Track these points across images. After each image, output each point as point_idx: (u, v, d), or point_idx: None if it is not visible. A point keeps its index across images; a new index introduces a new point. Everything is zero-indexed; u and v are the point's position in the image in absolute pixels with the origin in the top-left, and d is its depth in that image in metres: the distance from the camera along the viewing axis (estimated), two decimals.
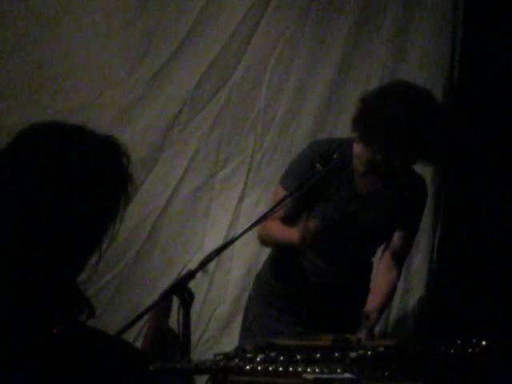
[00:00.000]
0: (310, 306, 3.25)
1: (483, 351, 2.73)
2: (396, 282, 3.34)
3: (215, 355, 2.69)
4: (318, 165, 2.99)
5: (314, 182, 2.99)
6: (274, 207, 2.90)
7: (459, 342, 2.75)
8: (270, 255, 3.38)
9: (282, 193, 3.11)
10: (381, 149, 3.10)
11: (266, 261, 3.39)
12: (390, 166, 3.13)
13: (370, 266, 3.37)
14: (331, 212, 3.18)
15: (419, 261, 3.96)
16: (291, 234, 3.04)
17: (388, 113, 3.02)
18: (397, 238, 3.28)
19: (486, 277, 3.84)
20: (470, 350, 2.73)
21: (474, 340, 2.75)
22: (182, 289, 2.58)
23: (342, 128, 3.95)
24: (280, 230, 3.15)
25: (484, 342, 2.73)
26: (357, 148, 3.20)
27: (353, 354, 2.66)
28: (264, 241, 3.28)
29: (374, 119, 3.05)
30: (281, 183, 3.24)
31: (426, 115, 3.04)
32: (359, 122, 3.11)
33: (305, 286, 3.24)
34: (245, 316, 3.40)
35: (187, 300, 2.57)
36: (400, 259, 3.33)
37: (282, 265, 3.30)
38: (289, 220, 3.16)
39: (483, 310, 3.79)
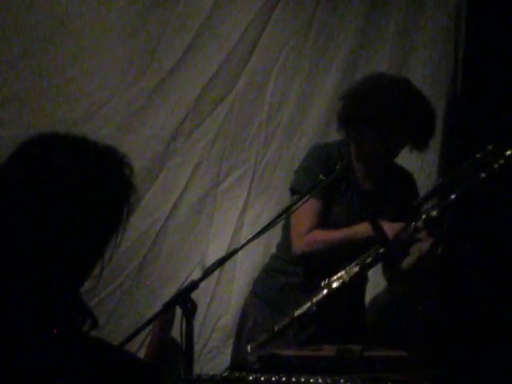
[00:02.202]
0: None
1: None
2: None
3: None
4: (321, 175, 2.99)
5: (317, 191, 2.99)
6: (277, 217, 2.89)
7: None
8: (269, 264, 3.39)
9: (311, 202, 3.06)
10: (378, 135, 3.12)
11: (267, 267, 3.40)
12: (388, 152, 3.20)
13: None
14: (342, 214, 3.22)
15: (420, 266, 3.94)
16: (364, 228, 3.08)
17: (379, 94, 3.10)
18: None
19: (486, 278, 3.83)
20: None
21: None
22: (185, 299, 2.58)
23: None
24: (338, 231, 3.18)
25: None
26: (354, 148, 3.23)
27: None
28: (315, 249, 3.23)
29: (366, 105, 3.11)
30: (294, 190, 3.25)
31: (414, 94, 3.16)
32: (350, 116, 3.15)
33: (313, 287, 3.23)
34: (242, 323, 3.39)
35: (190, 310, 2.57)
36: None
37: (289, 271, 3.30)
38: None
39: (484, 310, 3.79)
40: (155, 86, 3.87)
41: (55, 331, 1.40)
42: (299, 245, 3.22)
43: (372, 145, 3.18)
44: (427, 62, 4.00)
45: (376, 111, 3.10)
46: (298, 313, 2.98)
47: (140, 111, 3.86)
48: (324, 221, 3.22)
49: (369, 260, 3.04)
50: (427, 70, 4.00)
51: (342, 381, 2.56)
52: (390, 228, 3.03)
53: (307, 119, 3.99)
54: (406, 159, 3.92)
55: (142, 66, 3.87)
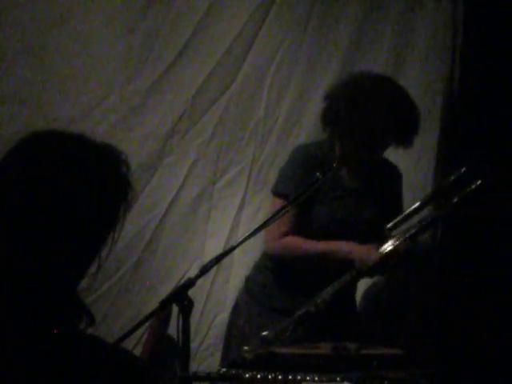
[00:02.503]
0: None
1: None
2: None
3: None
4: (317, 173, 2.99)
5: (313, 189, 3.00)
6: (273, 216, 2.90)
7: None
8: (260, 262, 3.40)
9: (279, 202, 3.15)
10: (362, 136, 3.13)
11: (259, 264, 3.40)
12: (372, 152, 3.21)
13: None
14: (326, 213, 3.21)
15: (419, 265, 3.95)
16: (343, 247, 3.15)
17: (363, 96, 3.12)
18: None
19: (487, 279, 3.84)
20: None
21: None
22: (181, 297, 2.58)
23: None
24: (316, 243, 3.19)
25: None
26: (338, 148, 3.24)
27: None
28: (286, 255, 3.29)
29: (350, 106, 3.11)
30: (276, 193, 3.27)
31: (397, 94, 3.18)
32: (333, 116, 3.16)
33: (303, 285, 3.24)
34: (233, 320, 3.40)
35: (187, 308, 2.57)
36: None
37: (279, 269, 3.31)
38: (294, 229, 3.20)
39: (486, 309, 3.79)
40: (152, 83, 3.87)
41: (55, 331, 1.40)
42: (272, 246, 3.27)
43: (356, 145, 3.18)
44: (424, 61, 4.00)
45: (360, 113, 3.11)
46: (296, 316, 3.00)
47: (137, 109, 3.86)
48: (307, 220, 3.23)
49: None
50: (424, 69, 3.99)
51: (338, 379, 2.56)
52: (366, 254, 3.10)
53: (304, 117, 3.99)
54: (403, 159, 3.93)
55: (139, 63, 3.86)
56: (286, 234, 3.24)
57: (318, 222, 3.23)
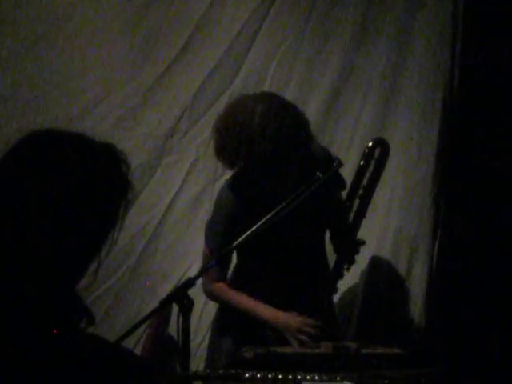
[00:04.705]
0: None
1: None
2: None
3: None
4: (318, 173, 2.98)
5: (313, 189, 2.98)
6: (273, 214, 2.88)
7: None
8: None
9: (209, 253, 3.24)
10: (256, 168, 3.07)
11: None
12: (273, 177, 3.14)
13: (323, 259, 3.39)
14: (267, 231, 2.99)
15: (419, 266, 3.95)
16: (265, 312, 3.14)
17: (245, 127, 2.99)
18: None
19: (487, 282, 3.84)
20: None
21: None
22: (181, 296, 2.58)
23: (342, 135, 3.95)
24: (240, 300, 3.20)
25: None
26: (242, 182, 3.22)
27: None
28: (217, 302, 3.36)
29: (237, 139, 3.00)
30: (207, 245, 3.30)
31: (281, 114, 3.05)
32: (223, 151, 3.08)
33: (271, 291, 3.24)
34: (218, 318, 3.42)
35: (187, 307, 2.57)
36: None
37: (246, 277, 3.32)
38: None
39: (484, 314, 3.79)
40: (152, 83, 3.87)
41: (55, 331, 1.40)
42: (205, 290, 3.30)
43: (250, 175, 3.14)
44: (424, 61, 4.00)
45: (246, 144, 3.00)
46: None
47: (137, 108, 3.86)
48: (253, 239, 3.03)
49: None
50: (424, 69, 3.99)
51: (338, 378, 2.56)
52: (284, 323, 3.10)
53: None
54: (403, 159, 3.93)
55: (139, 63, 3.86)
56: (218, 278, 3.25)
57: (262, 238, 3.04)
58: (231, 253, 3.22)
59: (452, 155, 3.95)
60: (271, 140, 2.99)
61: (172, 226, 3.91)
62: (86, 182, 1.45)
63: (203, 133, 3.92)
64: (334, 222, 3.31)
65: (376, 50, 4.00)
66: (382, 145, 3.21)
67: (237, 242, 2.84)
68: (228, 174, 3.92)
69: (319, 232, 3.34)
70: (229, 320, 3.31)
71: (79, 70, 3.81)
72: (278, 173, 3.13)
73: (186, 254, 3.89)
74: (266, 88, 3.95)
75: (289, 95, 3.97)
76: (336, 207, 3.27)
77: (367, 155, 3.18)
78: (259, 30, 3.93)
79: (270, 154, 2.99)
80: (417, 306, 3.93)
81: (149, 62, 3.87)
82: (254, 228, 2.81)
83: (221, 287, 3.27)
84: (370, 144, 3.18)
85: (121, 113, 3.84)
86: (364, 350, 2.85)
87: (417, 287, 3.94)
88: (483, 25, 3.92)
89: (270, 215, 2.84)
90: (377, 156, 3.20)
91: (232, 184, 3.27)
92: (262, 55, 3.95)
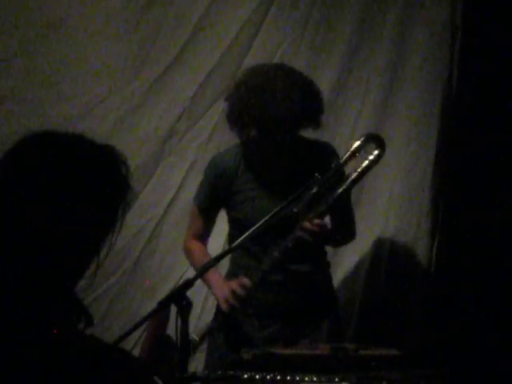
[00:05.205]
0: (274, 305, 3.26)
1: None
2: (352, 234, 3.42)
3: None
4: (316, 173, 2.98)
5: (313, 188, 2.98)
6: (273, 214, 2.88)
7: None
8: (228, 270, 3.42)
9: (195, 210, 3.37)
10: (263, 132, 3.10)
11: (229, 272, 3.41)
12: (278, 146, 3.15)
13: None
14: (248, 208, 3.24)
15: (418, 267, 3.95)
16: (215, 285, 3.20)
17: (258, 91, 3.06)
18: None
19: (485, 282, 3.84)
20: None
21: None
22: (180, 297, 2.58)
23: (342, 133, 3.95)
24: (200, 265, 3.21)
25: None
26: (245, 149, 3.25)
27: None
28: (186, 256, 3.43)
29: (247, 104, 3.07)
30: (194, 201, 3.40)
31: (290, 75, 3.13)
32: (234, 116, 3.13)
33: (265, 285, 3.23)
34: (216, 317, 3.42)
35: (185, 308, 2.57)
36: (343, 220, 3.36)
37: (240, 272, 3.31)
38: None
39: (483, 315, 3.79)
40: (151, 84, 3.88)
41: (54, 331, 1.40)
42: (183, 246, 3.41)
43: (260, 143, 3.16)
44: (424, 61, 4.00)
45: (258, 105, 3.05)
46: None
47: (136, 109, 3.87)
48: (235, 216, 3.30)
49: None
50: (423, 69, 3.99)
51: (336, 379, 2.56)
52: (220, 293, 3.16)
53: None
54: (403, 159, 3.93)
55: (138, 64, 3.87)
56: (196, 235, 3.36)
57: (242, 217, 3.26)
58: (229, 254, 3.21)
59: (451, 155, 3.95)
60: (293, 104, 3.04)
61: (171, 226, 3.91)
62: (85, 183, 1.45)
63: (202, 134, 3.92)
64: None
65: (376, 49, 4.01)
66: (376, 140, 3.19)
67: (236, 242, 2.84)
68: None
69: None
70: (228, 321, 3.31)
71: (78, 71, 3.81)
72: (284, 144, 3.16)
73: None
74: None
75: None
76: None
77: (359, 148, 3.14)
78: (258, 31, 3.94)
79: (288, 118, 3.05)
80: (417, 306, 3.93)
81: (148, 63, 3.87)
82: (255, 228, 2.81)
83: (194, 244, 3.36)
84: (363, 138, 3.15)
85: (119, 114, 3.84)
86: (362, 351, 2.85)
87: (416, 287, 3.95)
88: (482, 24, 3.92)
89: (268, 216, 2.84)
90: (371, 152, 3.18)
91: (230, 151, 3.32)
92: (260, 57, 3.95)
